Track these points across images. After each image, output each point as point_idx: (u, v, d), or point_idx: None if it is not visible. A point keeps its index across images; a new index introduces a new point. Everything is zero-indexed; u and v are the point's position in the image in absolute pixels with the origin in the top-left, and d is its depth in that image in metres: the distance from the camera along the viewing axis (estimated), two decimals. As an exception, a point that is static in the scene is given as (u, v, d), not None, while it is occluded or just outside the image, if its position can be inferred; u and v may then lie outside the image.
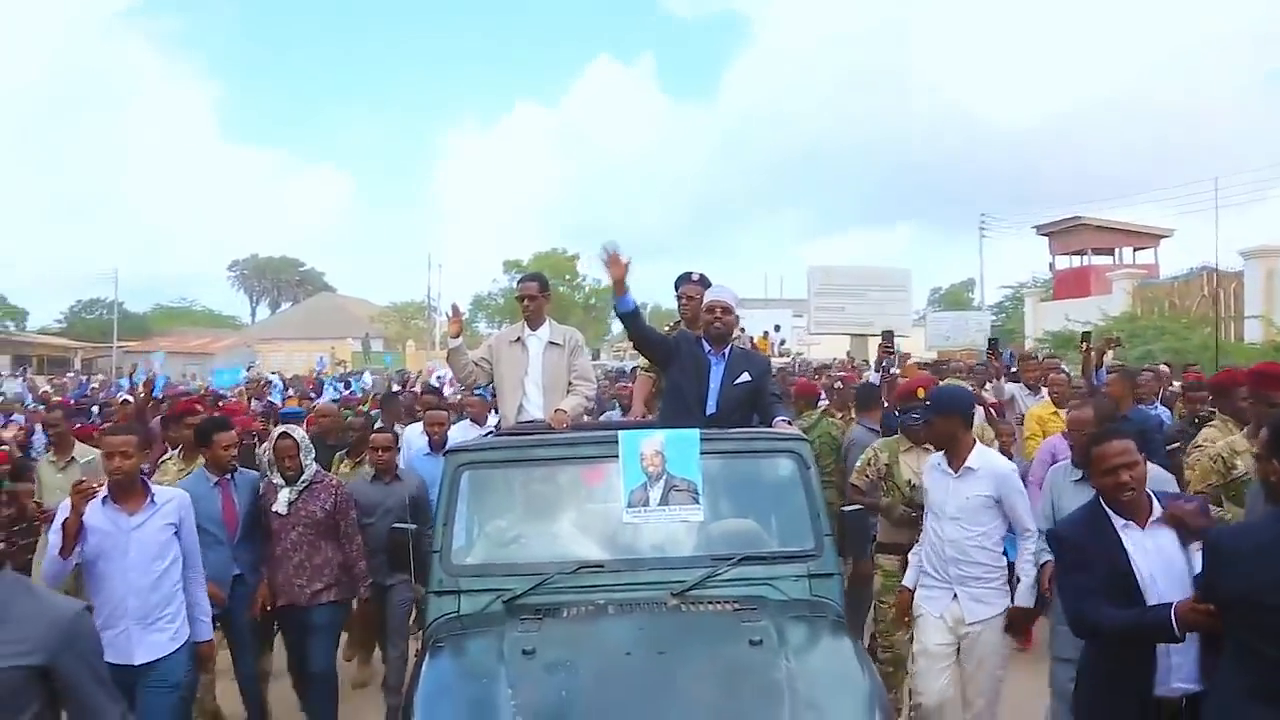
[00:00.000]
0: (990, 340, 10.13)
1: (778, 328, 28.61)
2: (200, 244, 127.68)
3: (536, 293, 5.92)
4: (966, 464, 4.65)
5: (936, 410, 4.88)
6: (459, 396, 10.03)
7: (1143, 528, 3.48)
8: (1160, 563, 3.42)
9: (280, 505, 5.51)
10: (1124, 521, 3.48)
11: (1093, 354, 8.71)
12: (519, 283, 6.01)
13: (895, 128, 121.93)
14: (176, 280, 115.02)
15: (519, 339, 5.89)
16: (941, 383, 6.98)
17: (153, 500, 4.49)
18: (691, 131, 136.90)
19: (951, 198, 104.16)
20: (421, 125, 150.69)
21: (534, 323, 5.90)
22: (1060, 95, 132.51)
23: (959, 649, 4.66)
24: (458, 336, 6.01)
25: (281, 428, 5.89)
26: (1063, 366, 10.37)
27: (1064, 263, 36.36)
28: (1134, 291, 26.45)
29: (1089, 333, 9.72)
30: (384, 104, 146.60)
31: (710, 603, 3.65)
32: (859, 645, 3.55)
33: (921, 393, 5.62)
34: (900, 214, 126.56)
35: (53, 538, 4.31)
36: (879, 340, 11.07)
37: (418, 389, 14.04)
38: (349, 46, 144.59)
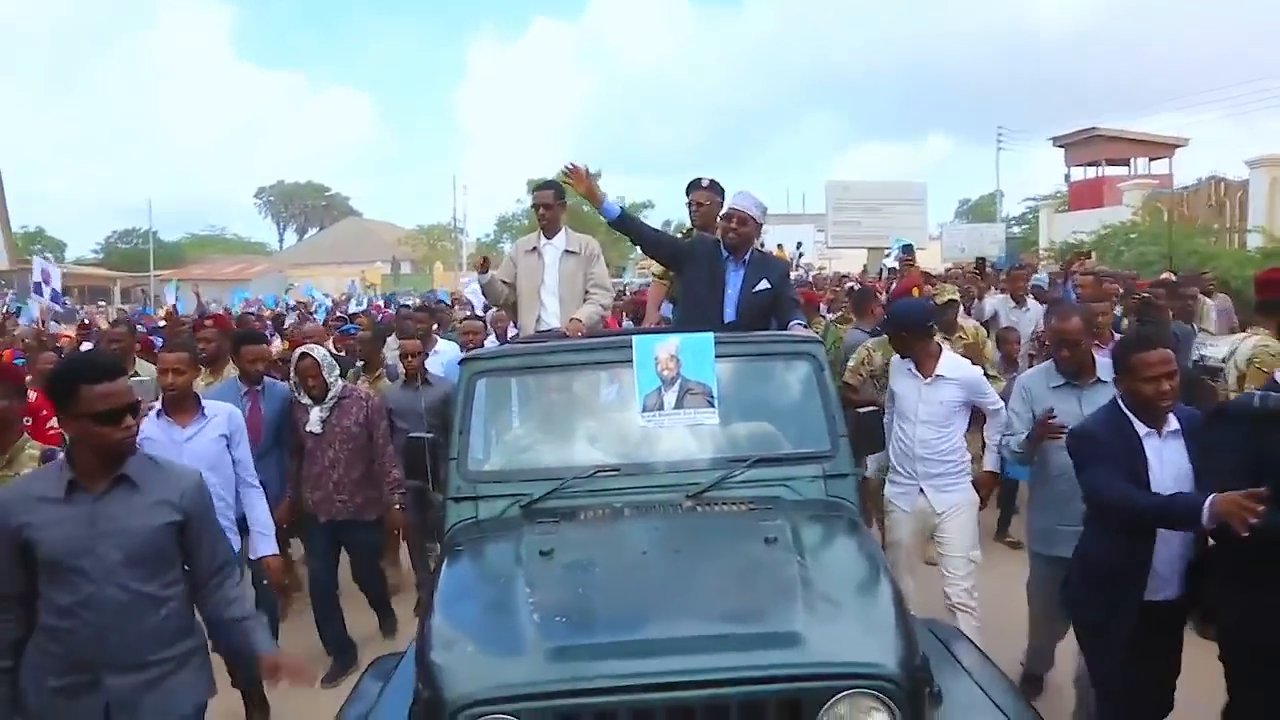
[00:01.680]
0: (977, 260, 10.01)
1: (799, 245, 28.34)
2: (226, 171, 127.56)
3: (552, 200, 5.75)
4: (938, 371, 4.84)
5: (891, 325, 5.12)
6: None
7: (1160, 436, 3.53)
8: (1173, 473, 3.47)
9: (314, 424, 5.50)
10: (1146, 429, 3.51)
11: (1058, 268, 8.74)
12: (534, 191, 5.85)
13: (926, 39, 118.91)
14: (206, 208, 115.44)
15: (535, 248, 5.76)
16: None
17: (203, 413, 4.61)
18: (716, 43, 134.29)
19: (986, 109, 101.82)
20: (442, 44, 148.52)
21: (550, 231, 5.75)
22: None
23: (933, 538, 4.95)
24: (486, 273, 5.87)
25: (302, 347, 5.86)
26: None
27: (1079, 174, 35.69)
28: (1143, 203, 25.90)
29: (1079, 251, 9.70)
30: (403, 23, 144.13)
31: (725, 504, 3.56)
32: (874, 543, 3.45)
33: (916, 292, 5.74)
34: (932, 125, 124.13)
35: None
36: (899, 253, 10.92)
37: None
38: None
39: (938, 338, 5.19)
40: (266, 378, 5.71)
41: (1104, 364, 4.43)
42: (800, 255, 27.60)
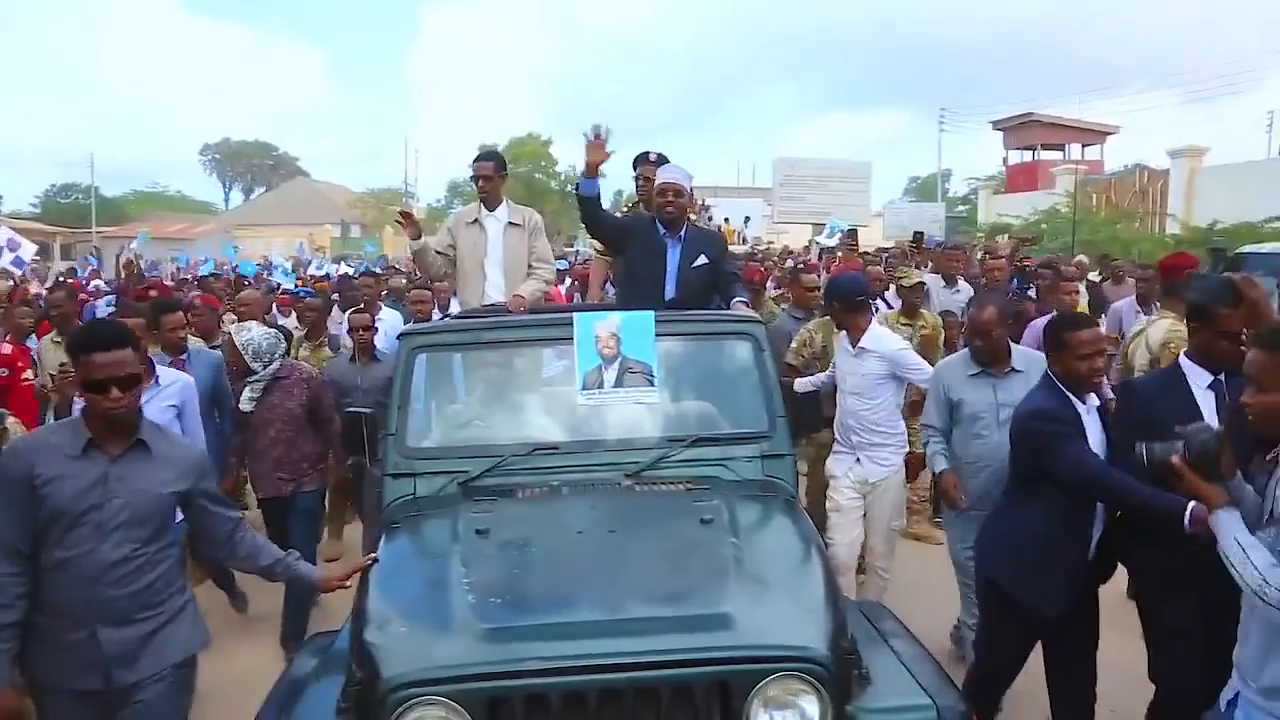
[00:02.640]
0: (915, 234, 10.04)
1: (747, 220, 28.36)
2: (171, 127, 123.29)
3: (492, 172, 5.62)
4: (862, 344, 5.02)
5: (828, 298, 5.39)
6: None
7: (1087, 410, 3.64)
8: (1098, 443, 3.61)
9: (244, 403, 5.33)
10: (1082, 405, 3.60)
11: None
12: (474, 161, 5.68)
13: (889, 12, 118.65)
14: (149, 165, 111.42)
15: (476, 220, 5.63)
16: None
17: (157, 381, 4.58)
18: (674, 8, 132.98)
19: (944, 86, 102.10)
20: (397, 2, 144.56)
21: (490, 203, 5.63)
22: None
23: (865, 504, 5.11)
24: (418, 238, 5.65)
25: (229, 326, 5.70)
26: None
27: (1017, 157, 36.22)
28: (1074, 187, 26.48)
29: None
30: None
31: (663, 483, 3.54)
32: (808, 523, 3.45)
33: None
34: (887, 101, 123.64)
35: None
36: (843, 235, 10.95)
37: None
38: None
39: (879, 317, 5.26)
40: (196, 344, 5.57)
41: (1019, 352, 4.50)
42: (746, 227, 27.65)
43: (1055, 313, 5.25)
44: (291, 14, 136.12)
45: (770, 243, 28.33)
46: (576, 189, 4.91)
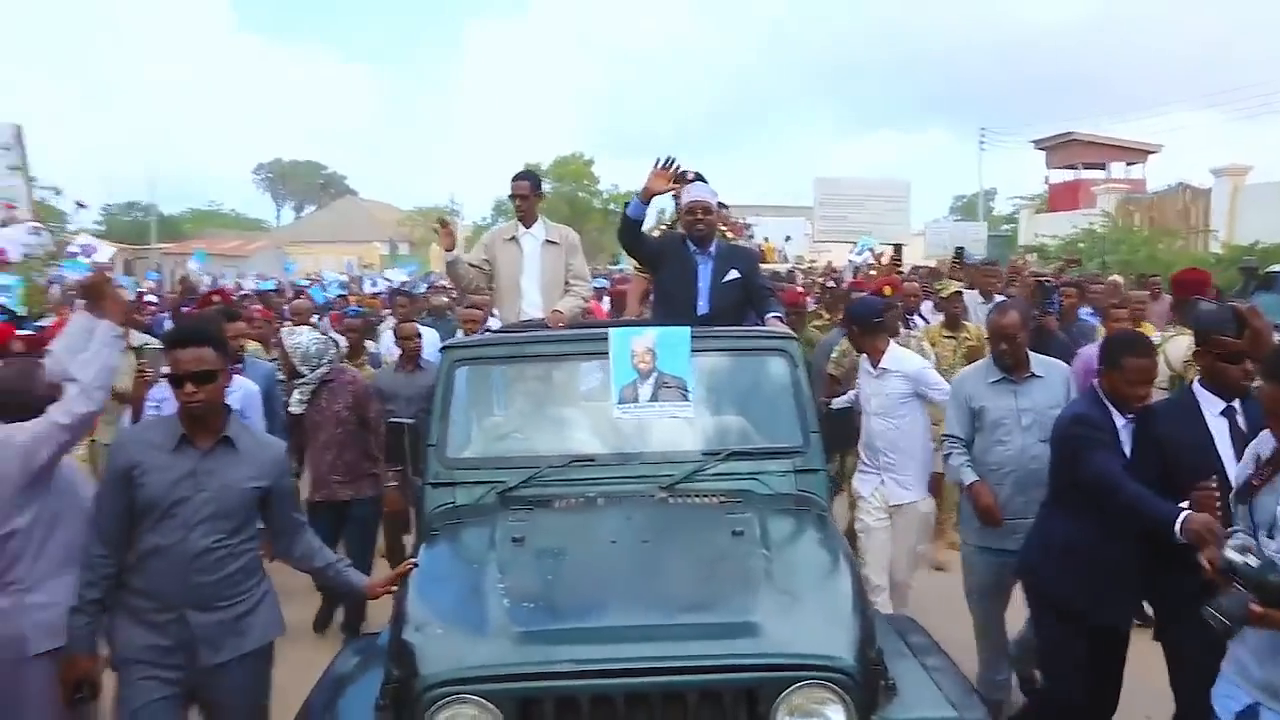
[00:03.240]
0: (957, 250, 9.88)
1: (788, 239, 28.35)
2: (225, 146, 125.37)
3: (528, 191, 5.69)
4: (883, 364, 5.04)
5: (845, 321, 5.46)
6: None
7: (1124, 418, 3.67)
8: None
9: (294, 405, 5.50)
10: (1121, 420, 3.64)
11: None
12: (512, 180, 5.75)
13: (930, 32, 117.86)
14: (204, 183, 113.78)
15: (513, 237, 5.70)
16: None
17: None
18: (718, 26, 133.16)
19: (990, 105, 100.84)
20: (443, 25, 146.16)
21: (527, 221, 5.70)
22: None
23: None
24: (452, 249, 5.76)
25: (239, 329, 5.85)
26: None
27: (1057, 177, 35.85)
28: (1116, 206, 26.13)
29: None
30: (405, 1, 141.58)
31: (697, 496, 3.57)
32: (839, 537, 3.47)
33: (888, 290, 5.92)
34: (932, 119, 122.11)
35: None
36: (888, 251, 10.91)
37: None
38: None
39: (919, 332, 5.25)
40: (254, 352, 5.72)
41: (1037, 360, 4.51)
42: (787, 245, 27.59)
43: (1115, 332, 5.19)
44: (341, 35, 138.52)
45: (813, 261, 28.25)
46: (625, 206, 5.00)
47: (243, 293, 16.48)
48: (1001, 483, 4.37)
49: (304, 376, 5.43)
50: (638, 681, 2.49)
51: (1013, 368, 4.45)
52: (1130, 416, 3.66)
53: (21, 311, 7.33)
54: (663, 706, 2.49)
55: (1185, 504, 3.04)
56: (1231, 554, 2.48)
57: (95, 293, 3.56)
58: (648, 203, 4.93)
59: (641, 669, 2.50)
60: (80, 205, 10.83)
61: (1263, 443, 2.73)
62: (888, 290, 6.08)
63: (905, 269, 12.00)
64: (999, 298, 8.42)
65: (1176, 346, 5.35)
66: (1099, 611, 3.67)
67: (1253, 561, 2.46)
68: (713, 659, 2.53)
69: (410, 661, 2.62)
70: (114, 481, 3.11)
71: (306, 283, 20.92)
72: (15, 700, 3.16)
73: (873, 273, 11.12)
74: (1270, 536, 2.57)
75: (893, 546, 5.09)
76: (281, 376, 5.87)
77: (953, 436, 4.63)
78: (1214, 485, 3.02)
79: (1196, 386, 3.54)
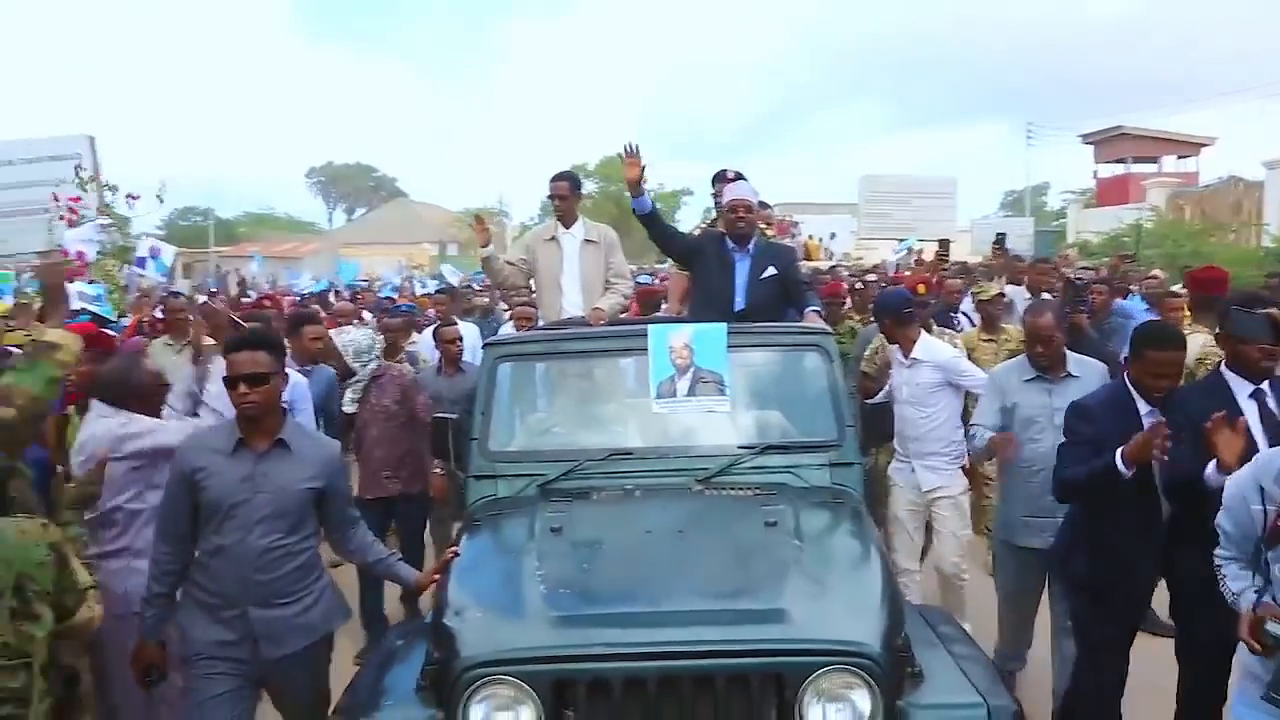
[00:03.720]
0: (998, 235, 9.67)
1: (833, 235, 28.23)
2: (279, 150, 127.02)
3: (568, 192, 5.74)
4: (914, 355, 5.11)
5: (876, 313, 5.55)
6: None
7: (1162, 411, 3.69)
8: None
9: (346, 405, 5.59)
10: (1147, 408, 3.68)
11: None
12: (551, 181, 5.81)
13: (979, 23, 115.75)
14: (259, 186, 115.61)
15: (553, 237, 5.75)
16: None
17: None
18: (764, 28, 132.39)
19: (1041, 98, 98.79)
20: (491, 25, 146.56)
21: (567, 221, 5.75)
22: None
23: (929, 517, 5.17)
24: (487, 245, 5.85)
25: (315, 331, 5.91)
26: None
27: (1107, 171, 35.25)
28: (1166, 201, 25.58)
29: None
30: (454, 3, 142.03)
31: (733, 488, 3.62)
32: (871, 528, 3.50)
33: (922, 289, 5.94)
34: (983, 113, 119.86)
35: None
36: (935, 247, 10.80)
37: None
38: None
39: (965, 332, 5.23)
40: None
41: (1074, 359, 4.51)
42: (833, 242, 27.46)
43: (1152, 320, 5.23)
44: (390, 38, 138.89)
45: (859, 258, 28.12)
46: (634, 210, 5.12)
47: (290, 296, 16.71)
48: (1032, 480, 4.36)
49: (355, 375, 5.53)
50: (669, 665, 2.56)
51: (1048, 368, 4.45)
52: (1152, 406, 3.69)
53: (112, 317, 7.56)
54: (693, 689, 2.56)
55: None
56: (1273, 626, 2.57)
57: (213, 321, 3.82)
58: (639, 195, 5.04)
59: (672, 653, 2.57)
60: (131, 198, 11.01)
61: None
62: (921, 289, 6.07)
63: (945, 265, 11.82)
64: (1048, 296, 8.34)
65: (1191, 344, 5.32)
66: (1117, 593, 3.76)
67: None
68: (741, 644, 2.59)
69: (450, 644, 2.71)
70: (177, 485, 3.23)
71: (365, 282, 21.19)
72: (121, 648, 3.38)
73: (906, 272, 11.04)
74: None
75: (937, 536, 5.15)
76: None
77: (979, 425, 4.64)
78: (1164, 421, 3.39)
79: (1225, 370, 3.61)
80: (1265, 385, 3.51)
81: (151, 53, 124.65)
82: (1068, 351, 4.56)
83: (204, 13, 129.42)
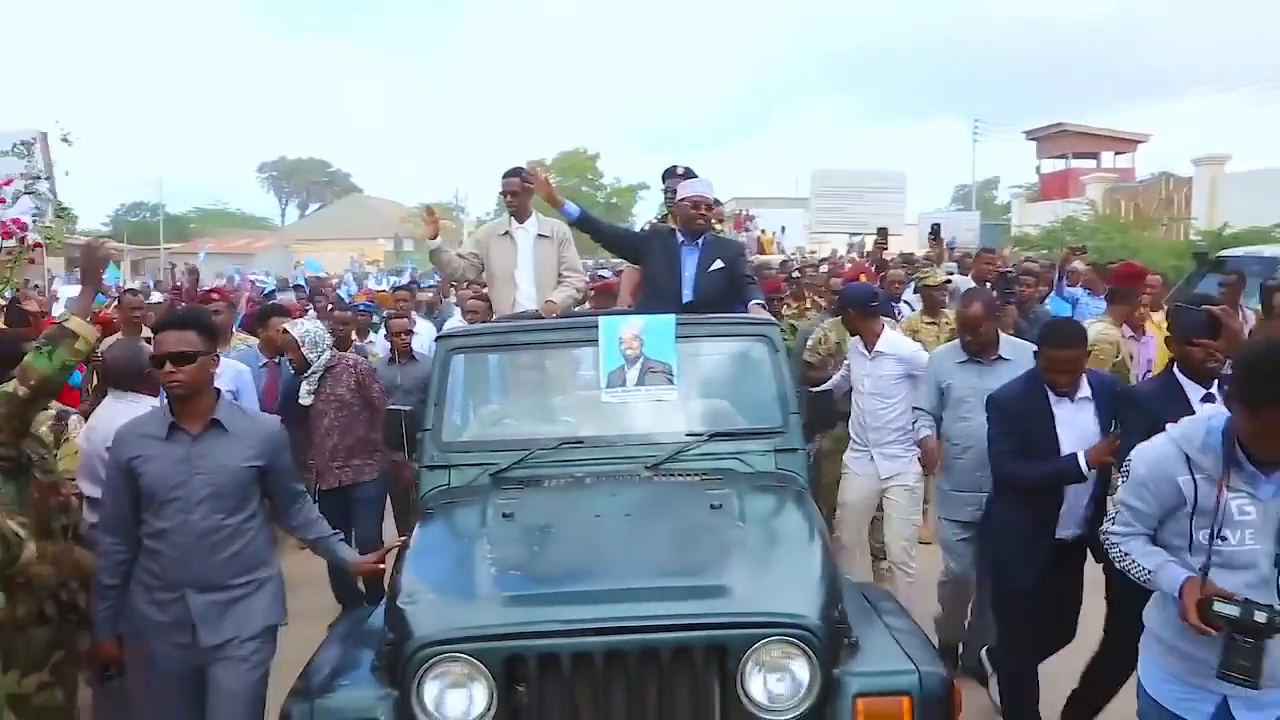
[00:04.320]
0: (933, 225, 9.90)
1: (783, 229, 28.49)
2: (229, 145, 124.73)
3: (519, 188, 5.78)
4: (878, 348, 5.22)
5: (839, 304, 5.69)
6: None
7: (1073, 401, 3.90)
8: (1079, 432, 3.85)
9: (303, 396, 5.57)
10: (1056, 397, 3.87)
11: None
12: (503, 177, 5.87)
13: (937, 21, 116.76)
14: (209, 182, 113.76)
15: (507, 232, 5.81)
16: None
17: None
18: (722, 21, 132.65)
19: (997, 94, 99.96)
20: (447, 19, 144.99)
21: (520, 216, 5.82)
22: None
23: (881, 502, 5.32)
24: (435, 238, 5.90)
25: (284, 323, 5.93)
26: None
27: (1049, 167, 35.96)
28: (1103, 195, 26.24)
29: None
30: None
31: (680, 474, 3.71)
32: (812, 509, 3.60)
33: (863, 278, 6.13)
34: (938, 109, 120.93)
35: None
36: (874, 237, 10.93)
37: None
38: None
39: (903, 320, 5.40)
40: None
41: (1006, 342, 4.72)
42: (784, 236, 27.70)
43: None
44: (344, 32, 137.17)
45: (813, 251, 28.41)
46: (567, 220, 5.35)
47: (249, 290, 16.49)
48: (963, 455, 4.61)
49: (310, 365, 5.54)
50: (615, 639, 2.64)
51: (979, 352, 4.64)
52: (1080, 394, 3.87)
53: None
54: (639, 662, 2.64)
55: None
56: (1221, 606, 2.51)
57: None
58: (562, 205, 5.37)
59: (618, 628, 2.65)
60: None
61: None
62: (862, 278, 6.26)
63: (893, 256, 12.04)
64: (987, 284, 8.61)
65: (1092, 332, 5.61)
66: (1017, 578, 3.95)
67: (1233, 609, 2.49)
68: (684, 617, 2.69)
69: (404, 625, 2.77)
70: (116, 473, 3.26)
71: (323, 276, 21.03)
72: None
73: (847, 265, 11.25)
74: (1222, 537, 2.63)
75: (888, 523, 5.31)
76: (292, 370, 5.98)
77: (920, 410, 4.90)
78: (1117, 433, 3.61)
79: (1177, 372, 3.67)
80: (1214, 390, 3.57)
81: (99, 46, 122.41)
82: (1002, 335, 4.76)
83: (152, 4, 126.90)
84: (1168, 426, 2.79)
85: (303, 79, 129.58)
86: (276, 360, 5.77)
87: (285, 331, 5.63)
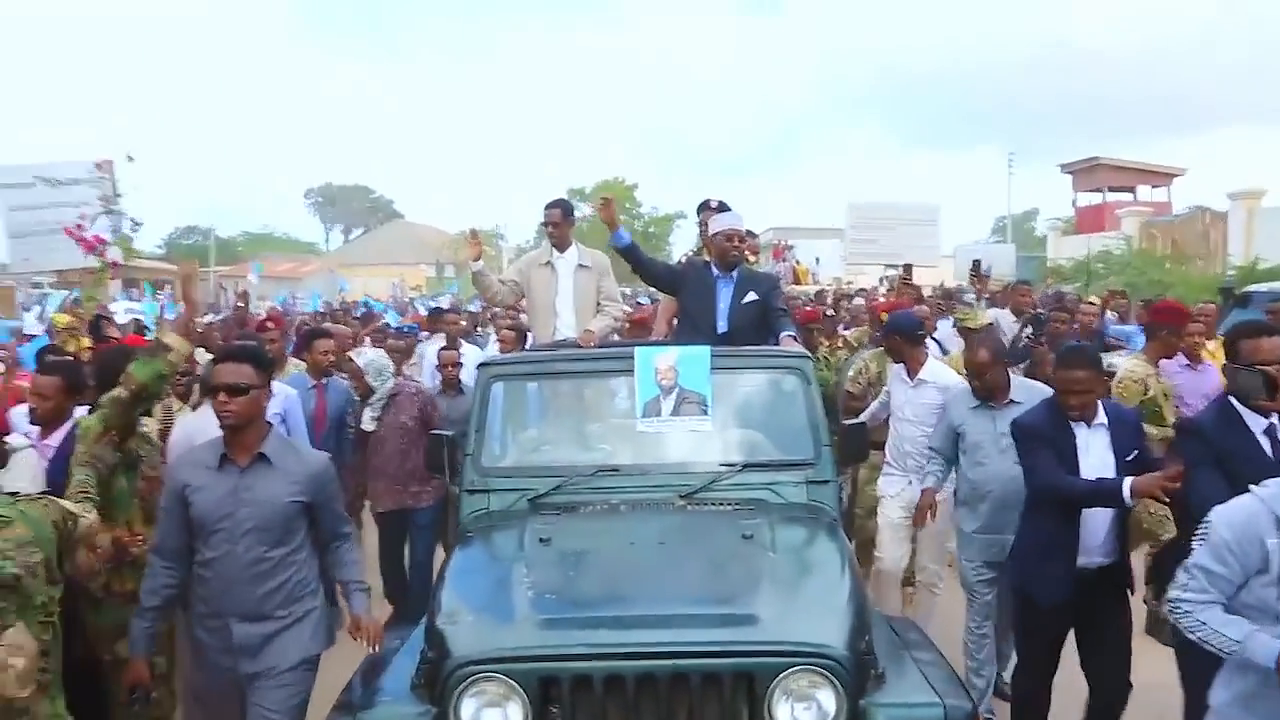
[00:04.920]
0: (974, 261, 9.90)
1: (818, 260, 28.48)
2: (275, 169, 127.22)
3: (560, 219, 5.93)
4: (920, 376, 5.25)
5: (885, 331, 5.72)
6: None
7: (1089, 427, 3.90)
8: (1097, 457, 3.87)
9: (366, 423, 5.73)
10: (1075, 422, 3.88)
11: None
12: (545, 209, 6.00)
13: (974, 52, 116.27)
14: (256, 206, 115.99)
15: (548, 262, 5.91)
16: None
17: None
18: (760, 56, 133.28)
19: (1037, 126, 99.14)
20: (490, 50, 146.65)
21: (561, 246, 5.93)
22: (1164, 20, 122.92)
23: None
24: (478, 260, 6.03)
25: (349, 352, 6.12)
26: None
27: (1085, 200, 35.72)
28: (1139, 229, 26.00)
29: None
30: (449, 27, 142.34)
31: (713, 504, 3.74)
32: (843, 541, 3.63)
33: (884, 316, 6.15)
34: (978, 140, 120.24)
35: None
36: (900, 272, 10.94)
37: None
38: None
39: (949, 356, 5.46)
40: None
41: (1019, 385, 4.72)
42: (819, 267, 27.65)
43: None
44: (391, 62, 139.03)
45: (849, 282, 28.34)
46: (614, 245, 5.35)
47: (297, 313, 16.80)
48: (983, 500, 4.61)
49: (374, 392, 5.69)
50: (647, 664, 2.69)
51: (990, 396, 4.65)
52: (1097, 422, 3.88)
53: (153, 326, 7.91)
54: (669, 687, 2.69)
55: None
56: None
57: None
58: (615, 229, 5.30)
59: (650, 653, 2.71)
60: (136, 224, 11.28)
61: None
62: (884, 316, 6.28)
63: (924, 290, 12.02)
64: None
65: (1122, 366, 5.62)
66: (1044, 594, 3.94)
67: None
68: (715, 645, 2.74)
69: (442, 645, 2.85)
70: (171, 500, 3.35)
71: (366, 300, 21.41)
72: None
73: (880, 298, 11.27)
74: None
75: (920, 544, 5.31)
76: (356, 397, 6.11)
77: (934, 450, 4.89)
78: (1176, 469, 3.48)
79: (1234, 400, 3.60)
80: (1276, 419, 3.53)
81: (153, 73, 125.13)
82: (1014, 377, 4.78)
83: (207, 33, 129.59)
84: (1252, 488, 2.63)
85: (346, 106, 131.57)
86: (325, 382, 5.88)
87: (350, 360, 5.80)
